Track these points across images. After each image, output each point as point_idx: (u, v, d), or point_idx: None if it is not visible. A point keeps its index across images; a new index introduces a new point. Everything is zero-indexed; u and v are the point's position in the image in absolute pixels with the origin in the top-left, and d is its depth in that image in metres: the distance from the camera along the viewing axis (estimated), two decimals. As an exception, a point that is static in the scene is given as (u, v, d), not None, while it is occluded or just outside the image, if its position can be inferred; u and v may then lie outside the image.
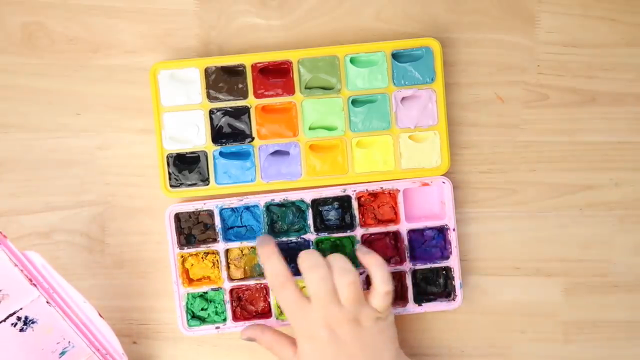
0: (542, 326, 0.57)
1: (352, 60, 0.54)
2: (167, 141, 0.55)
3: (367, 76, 0.54)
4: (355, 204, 0.55)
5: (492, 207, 0.57)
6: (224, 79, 0.54)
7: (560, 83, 0.56)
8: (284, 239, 0.55)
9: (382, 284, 0.50)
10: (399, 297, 0.56)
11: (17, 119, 0.56)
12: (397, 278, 0.56)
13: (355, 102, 0.55)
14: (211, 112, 0.55)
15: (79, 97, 0.56)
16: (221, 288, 0.55)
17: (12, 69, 0.56)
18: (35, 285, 0.51)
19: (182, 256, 0.55)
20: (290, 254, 0.53)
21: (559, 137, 0.56)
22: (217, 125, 0.55)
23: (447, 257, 0.55)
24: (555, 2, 0.56)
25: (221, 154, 0.55)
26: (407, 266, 0.55)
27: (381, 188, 0.55)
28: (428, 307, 0.56)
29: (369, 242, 0.56)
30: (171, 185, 0.55)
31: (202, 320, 0.56)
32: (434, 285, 0.56)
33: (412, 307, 0.55)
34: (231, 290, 0.55)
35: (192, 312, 0.56)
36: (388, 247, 0.56)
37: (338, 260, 0.51)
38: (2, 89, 0.56)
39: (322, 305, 0.50)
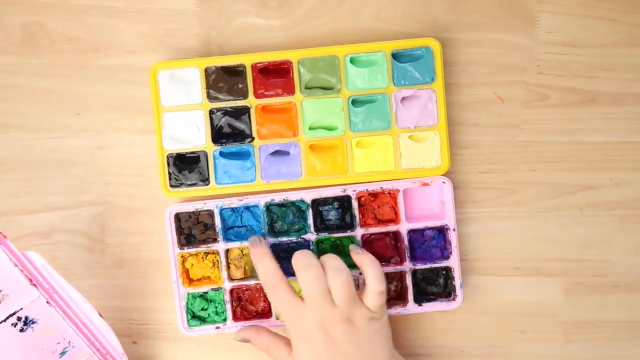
0: (542, 326, 0.57)
1: (352, 60, 0.54)
2: (167, 141, 0.55)
3: (367, 76, 0.54)
4: (355, 204, 0.55)
5: (492, 207, 0.57)
6: (224, 79, 0.54)
7: (560, 83, 0.56)
8: (284, 239, 0.55)
9: (375, 283, 0.50)
10: (399, 297, 0.56)
11: (17, 119, 0.56)
12: (397, 278, 0.56)
13: (355, 102, 0.55)
14: (211, 112, 0.55)
15: (79, 97, 0.56)
16: (221, 288, 0.55)
17: (12, 69, 0.56)
18: (35, 286, 0.51)
19: (182, 256, 0.55)
20: (290, 255, 0.53)
21: (559, 137, 0.56)
22: (217, 125, 0.55)
23: (447, 257, 0.55)
24: (555, 2, 0.56)
25: (221, 154, 0.55)
26: (407, 266, 0.55)
27: (381, 188, 0.55)
28: (428, 307, 0.56)
29: (369, 242, 0.56)
30: (171, 185, 0.55)
31: (202, 320, 0.56)
32: (434, 285, 0.56)
33: (412, 307, 0.55)
34: (231, 290, 0.55)
35: (192, 312, 0.56)
36: (388, 247, 0.56)
37: (331, 260, 0.51)
38: (2, 89, 0.56)
39: (316, 305, 0.50)
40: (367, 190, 0.55)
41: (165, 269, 0.56)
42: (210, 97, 0.55)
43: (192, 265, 0.56)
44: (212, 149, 0.55)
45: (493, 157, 0.57)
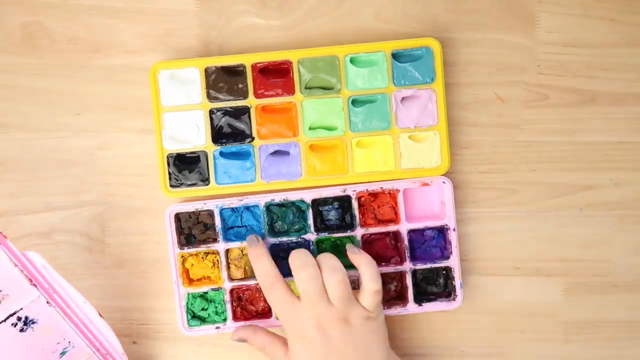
0: (542, 326, 0.57)
1: (352, 60, 0.54)
2: (167, 141, 0.55)
3: (367, 76, 0.54)
4: (355, 204, 0.55)
5: (492, 207, 0.57)
6: (224, 79, 0.54)
7: (560, 83, 0.56)
8: (284, 239, 0.55)
9: (371, 282, 0.51)
10: (399, 297, 0.56)
11: (17, 119, 0.56)
12: (397, 278, 0.56)
13: (355, 102, 0.55)
14: (211, 112, 0.55)
15: (79, 97, 0.56)
16: (221, 288, 0.55)
17: (12, 69, 0.56)
18: (35, 286, 0.51)
19: (182, 256, 0.55)
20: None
21: (559, 137, 0.56)
22: (217, 125, 0.55)
23: (447, 257, 0.55)
24: (555, 2, 0.56)
25: (221, 154, 0.55)
26: (407, 266, 0.55)
27: (381, 188, 0.55)
28: (428, 307, 0.56)
29: (369, 242, 0.56)
30: (171, 185, 0.55)
31: (202, 320, 0.56)
32: (434, 285, 0.56)
33: (412, 307, 0.55)
34: (231, 290, 0.55)
35: (193, 312, 0.56)
36: (388, 247, 0.56)
37: (327, 259, 0.51)
38: (2, 89, 0.56)
39: (312, 304, 0.50)
40: (367, 190, 0.55)
41: (165, 269, 0.56)
42: (210, 97, 0.55)
43: (192, 265, 0.56)
44: (212, 149, 0.55)
45: (493, 157, 0.57)
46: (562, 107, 0.56)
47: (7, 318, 0.52)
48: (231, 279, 0.56)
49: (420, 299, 0.56)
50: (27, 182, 0.56)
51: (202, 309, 0.56)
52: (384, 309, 0.54)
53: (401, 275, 0.56)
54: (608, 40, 0.56)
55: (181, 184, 0.55)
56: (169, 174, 0.55)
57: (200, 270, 0.56)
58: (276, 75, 0.55)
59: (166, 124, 0.55)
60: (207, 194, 0.55)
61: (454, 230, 0.55)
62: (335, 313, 0.50)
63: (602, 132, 0.56)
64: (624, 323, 0.57)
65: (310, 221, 0.55)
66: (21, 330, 0.52)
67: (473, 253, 0.57)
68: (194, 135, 0.55)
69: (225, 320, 0.55)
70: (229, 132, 0.55)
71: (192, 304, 0.56)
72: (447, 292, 0.56)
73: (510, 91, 0.56)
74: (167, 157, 0.55)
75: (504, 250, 0.57)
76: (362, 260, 0.51)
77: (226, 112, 0.55)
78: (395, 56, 0.54)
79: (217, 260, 0.56)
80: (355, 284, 0.55)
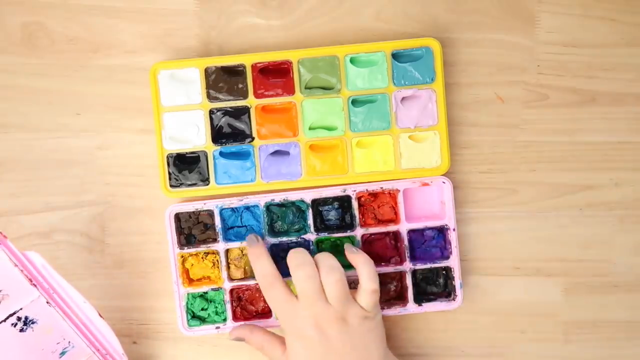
0: (542, 326, 0.57)
1: (352, 60, 0.54)
2: (167, 141, 0.55)
3: (367, 76, 0.54)
4: (355, 204, 0.55)
5: (492, 207, 0.57)
6: (224, 79, 0.54)
7: (560, 83, 0.56)
8: (284, 239, 0.55)
9: (368, 282, 0.51)
10: (398, 297, 0.56)
11: (17, 119, 0.56)
12: (397, 278, 0.56)
13: (355, 102, 0.55)
14: (211, 112, 0.55)
15: (79, 97, 0.56)
16: (221, 288, 0.55)
17: (12, 69, 0.56)
18: (35, 286, 0.51)
19: (182, 256, 0.55)
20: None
21: (559, 137, 0.56)
22: (217, 125, 0.55)
23: (447, 257, 0.55)
24: (555, 2, 0.56)
25: (221, 154, 0.55)
26: (407, 266, 0.55)
27: (381, 188, 0.55)
28: (428, 307, 0.55)
29: (369, 242, 0.56)
30: (171, 185, 0.55)
31: (202, 320, 0.56)
32: (434, 285, 0.56)
33: (412, 307, 0.55)
34: (231, 290, 0.55)
35: (192, 312, 0.56)
36: (388, 247, 0.56)
37: (325, 258, 0.51)
38: (2, 89, 0.56)
39: (310, 303, 0.50)
40: (367, 190, 0.55)
41: (165, 269, 0.56)
42: (210, 97, 0.55)
43: (192, 265, 0.56)
44: (212, 149, 0.55)
45: (493, 157, 0.57)
46: (562, 107, 0.56)
47: (7, 318, 0.52)
48: (231, 279, 0.56)
49: (420, 299, 0.56)
50: (27, 182, 0.56)
51: (202, 309, 0.56)
52: (383, 309, 0.55)
53: (401, 275, 0.56)
54: (608, 40, 0.56)
55: (181, 184, 0.55)
56: (169, 174, 0.55)
57: (200, 270, 0.56)
58: (276, 75, 0.55)
59: (166, 124, 0.55)
60: (207, 194, 0.55)
61: (454, 230, 0.55)
62: (332, 312, 0.50)
63: (602, 132, 0.56)
64: (624, 323, 0.57)
65: (310, 221, 0.55)
66: (21, 330, 0.52)
67: (473, 253, 0.57)
68: (194, 135, 0.55)
69: (225, 320, 0.55)
70: (229, 132, 0.55)
71: (192, 304, 0.56)
72: (447, 292, 0.56)
73: (510, 91, 0.56)
74: (167, 157, 0.55)
75: (504, 250, 0.57)
76: (360, 260, 0.51)
77: (226, 112, 0.55)
78: (395, 56, 0.54)
79: (217, 260, 0.56)
80: (354, 284, 0.54)
